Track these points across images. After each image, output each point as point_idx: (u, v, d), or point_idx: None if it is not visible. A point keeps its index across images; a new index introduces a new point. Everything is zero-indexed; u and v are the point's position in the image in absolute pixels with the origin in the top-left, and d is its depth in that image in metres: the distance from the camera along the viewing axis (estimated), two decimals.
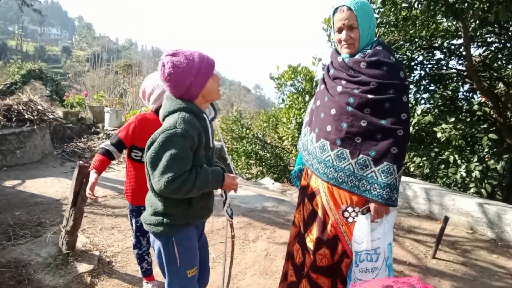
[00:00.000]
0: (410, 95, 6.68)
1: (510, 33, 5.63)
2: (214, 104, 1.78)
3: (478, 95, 6.64)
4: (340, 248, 1.90)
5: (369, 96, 1.74)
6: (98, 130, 7.45)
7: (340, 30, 1.83)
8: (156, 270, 2.71)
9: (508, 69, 6.93)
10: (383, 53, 1.79)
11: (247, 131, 9.15)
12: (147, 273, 2.47)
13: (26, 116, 5.87)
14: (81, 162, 2.60)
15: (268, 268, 3.01)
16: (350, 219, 1.85)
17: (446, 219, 3.43)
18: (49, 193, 4.31)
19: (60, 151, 6.30)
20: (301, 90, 7.01)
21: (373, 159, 1.75)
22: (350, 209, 1.84)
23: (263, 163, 9.25)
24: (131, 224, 2.30)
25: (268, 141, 9.66)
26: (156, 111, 2.07)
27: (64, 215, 2.82)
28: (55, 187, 4.54)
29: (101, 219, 3.69)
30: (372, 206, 1.78)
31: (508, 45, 6.05)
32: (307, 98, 6.86)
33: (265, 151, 9.31)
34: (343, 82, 1.85)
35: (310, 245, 1.95)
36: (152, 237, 1.69)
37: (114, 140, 2.05)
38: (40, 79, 12.95)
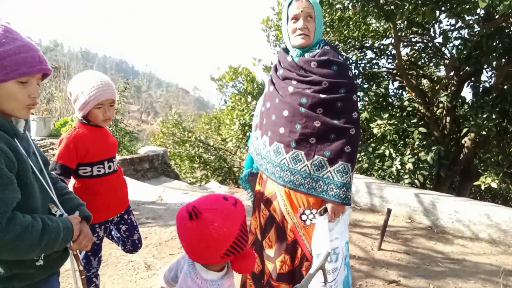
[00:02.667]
0: None
1: (432, 33, 6.12)
2: None
3: (406, 92, 7.15)
4: (300, 252, 1.85)
5: (322, 95, 1.71)
6: None
7: (296, 18, 1.78)
8: None
9: (430, 67, 7.56)
10: (332, 52, 1.79)
11: (189, 134, 8.92)
12: None
13: None
14: None
15: None
16: (308, 222, 1.82)
17: (389, 211, 3.59)
18: None
19: None
20: (243, 91, 6.98)
21: (328, 159, 1.73)
22: (307, 211, 1.81)
23: (207, 166, 9.07)
24: None
25: (211, 144, 9.50)
26: (84, 118, 1.87)
27: None
28: None
29: None
30: (329, 206, 1.76)
31: (430, 44, 6.58)
32: (249, 99, 6.84)
33: (209, 154, 9.15)
34: (294, 82, 1.81)
35: (269, 252, 1.88)
36: None
37: (59, 170, 1.76)
38: None
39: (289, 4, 1.80)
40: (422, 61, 7.41)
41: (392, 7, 4.46)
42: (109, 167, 1.95)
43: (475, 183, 5.31)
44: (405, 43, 6.91)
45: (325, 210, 1.80)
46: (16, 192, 1.03)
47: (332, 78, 1.74)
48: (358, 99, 6.80)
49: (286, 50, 1.94)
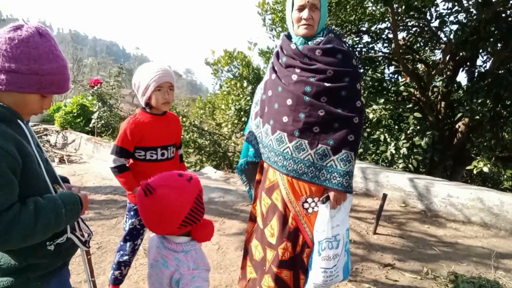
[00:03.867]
0: None
1: (428, 17, 6.08)
2: None
3: (402, 77, 7.15)
4: (301, 239, 1.88)
5: (326, 84, 1.71)
6: None
7: (301, 9, 1.75)
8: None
9: (426, 51, 7.54)
10: (336, 40, 1.77)
11: (184, 119, 8.84)
12: (116, 282, 2.25)
13: None
14: None
15: (221, 262, 2.94)
16: (310, 210, 1.84)
17: (385, 196, 3.64)
18: None
19: None
20: (239, 75, 6.91)
21: (331, 148, 1.74)
22: (309, 199, 1.83)
23: (202, 151, 9.04)
24: (125, 226, 2.16)
25: (206, 128, 9.45)
26: (147, 105, 2.00)
27: None
28: None
29: None
30: (331, 194, 1.78)
31: (426, 28, 6.55)
32: (245, 84, 6.78)
33: (203, 138, 9.11)
34: (297, 70, 1.80)
35: (271, 239, 1.91)
36: None
37: (119, 153, 2.00)
38: None
39: None
40: (418, 45, 7.39)
41: None
42: (162, 154, 2.05)
43: (468, 167, 5.39)
44: (401, 27, 6.87)
45: (327, 198, 1.82)
46: (13, 193, 1.01)
47: (337, 67, 1.73)
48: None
49: (289, 37, 1.92)
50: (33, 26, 1.10)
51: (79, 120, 7.58)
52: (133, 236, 2.13)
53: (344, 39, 6.60)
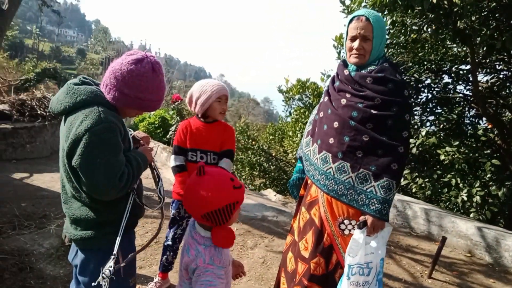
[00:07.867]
0: (416, 117, 6.75)
1: None
2: None
3: (484, 121, 6.68)
4: (335, 258, 1.93)
5: (373, 111, 1.79)
6: None
7: (354, 39, 1.87)
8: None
9: None
10: (389, 70, 1.84)
11: (253, 142, 9.21)
12: (164, 269, 2.53)
13: (39, 112, 6.01)
14: None
15: (264, 275, 3.05)
16: (346, 232, 1.89)
17: (444, 239, 3.45)
18: (55, 187, 4.40)
19: None
20: (309, 105, 7.10)
21: (373, 174, 1.79)
22: (346, 221, 1.88)
23: (267, 175, 9.27)
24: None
25: (273, 154, 9.70)
26: (203, 116, 2.33)
27: None
28: None
29: None
30: (369, 220, 1.80)
31: None
32: None
33: (270, 163, 9.34)
34: (348, 95, 1.91)
35: (304, 253, 1.99)
36: (79, 254, 1.51)
37: (177, 151, 2.35)
38: (54, 78, 13.31)
39: (350, 21, 1.90)
40: (507, 91, 6.86)
41: (470, 31, 4.29)
42: (201, 158, 2.33)
43: None
44: (487, 70, 6.50)
45: (364, 224, 1.83)
46: (123, 156, 1.41)
47: (385, 96, 1.80)
48: (428, 123, 6.56)
49: (345, 63, 2.04)
50: (150, 62, 1.44)
51: (159, 131, 8.47)
52: (174, 224, 2.42)
53: (417, 76, 6.46)
